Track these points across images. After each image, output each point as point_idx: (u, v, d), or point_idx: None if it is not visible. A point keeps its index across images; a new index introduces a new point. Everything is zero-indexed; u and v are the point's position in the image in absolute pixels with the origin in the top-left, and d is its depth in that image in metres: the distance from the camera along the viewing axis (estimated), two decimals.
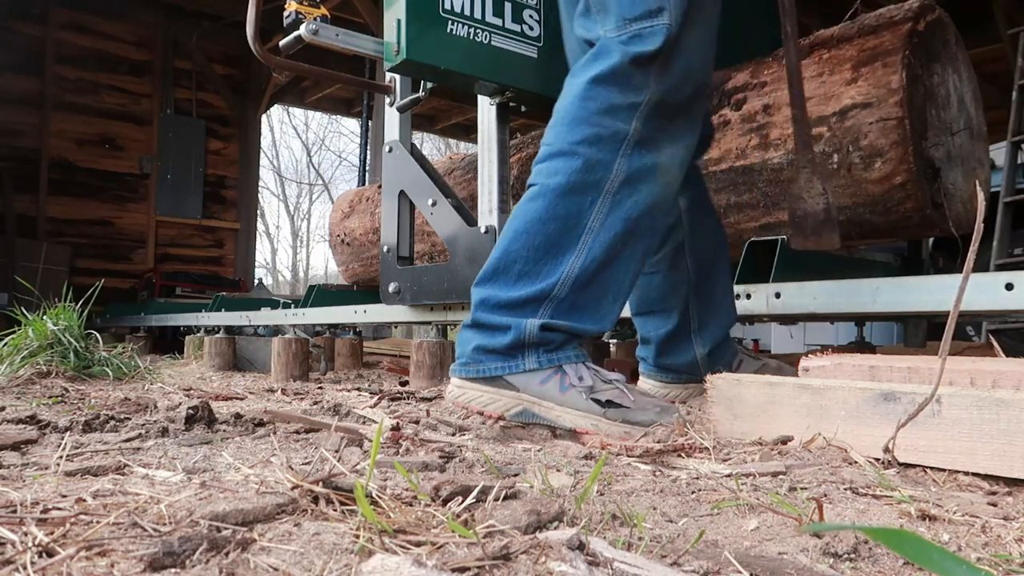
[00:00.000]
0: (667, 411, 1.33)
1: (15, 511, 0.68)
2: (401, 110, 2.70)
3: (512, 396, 1.36)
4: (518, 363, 1.35)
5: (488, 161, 2.40)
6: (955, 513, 0.80)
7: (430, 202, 2.54)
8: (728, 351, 1.79)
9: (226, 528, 0.64)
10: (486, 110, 2.41)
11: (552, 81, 2.26)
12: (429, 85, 2.49)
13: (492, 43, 2.11)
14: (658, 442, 1.20)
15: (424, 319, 2.72)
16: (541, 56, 2.21)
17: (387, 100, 2.77)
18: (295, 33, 2.30)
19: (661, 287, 1.74)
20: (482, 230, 2.37)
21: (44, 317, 2.52)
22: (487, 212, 2.38)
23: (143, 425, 1.35)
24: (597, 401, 1.32)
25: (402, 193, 2.69)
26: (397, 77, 2.70)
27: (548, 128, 1.40)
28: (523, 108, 2.39)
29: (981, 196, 0.85)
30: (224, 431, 1.34)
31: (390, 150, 2.75)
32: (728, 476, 0.98)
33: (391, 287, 2.68)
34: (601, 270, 1.34)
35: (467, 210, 2.52)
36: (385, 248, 2.73)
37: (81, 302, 2.67)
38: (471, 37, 2.07)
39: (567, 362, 1.36)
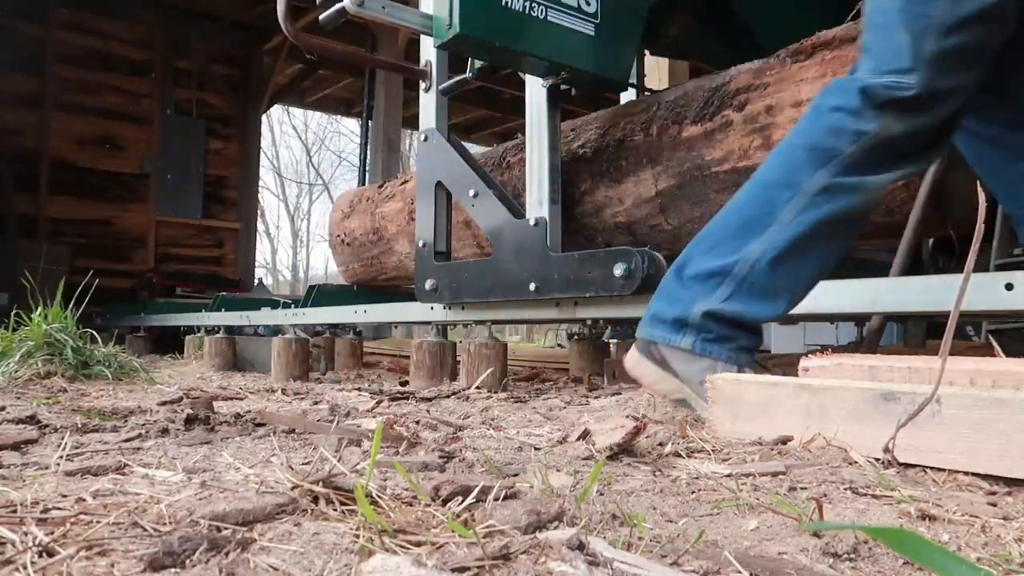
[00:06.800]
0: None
1: (15, 511, 0.68)
2: (445, 93, 2.56)
3: (676, 384, 1.51)
4: (677, 338, 1.48)
5: (537, 148, 2.29)
6: (955, 513, 0.80)
7: (471, 193, 2.40)
8: None
9: (226, 528, 0.64)
10: (536, 92, 2.29)
11: (608, 60, 2.09)
12: (477, 65, 2.34)
13: (548, 18, 2.00)
14: (659, 443, 1.20)
15: (463, 319, 2.59)
16: (598, 33, 2.07)
17: (422, 86, 2.63)
18: (338, 5, 2.11)
19: None
20: (531, 222, 2.22)
21: (38, 316, 2.52)
22: (536, 203, 2.25)
23: (143, 425, 1.35)
24: None
25: (439, 184, 2.54)
26: (433, 60, 2.57)
27: None
28: (573, 91, 2.25)
29: (982, 196, 0.85)
30: (224, 431, 1.34)
31: (426, 138, 2.60)
32: (728, 476, 0.98)
33: (428, 284, 2.55)
34: (780, 262, 1.42)
35: (512, 201, 2.40)
36: (421, 243, 2.58)
37: (73, 301, 2.65)
38: (526, 11, 1.96)
39: (721, 360, 1.44)
